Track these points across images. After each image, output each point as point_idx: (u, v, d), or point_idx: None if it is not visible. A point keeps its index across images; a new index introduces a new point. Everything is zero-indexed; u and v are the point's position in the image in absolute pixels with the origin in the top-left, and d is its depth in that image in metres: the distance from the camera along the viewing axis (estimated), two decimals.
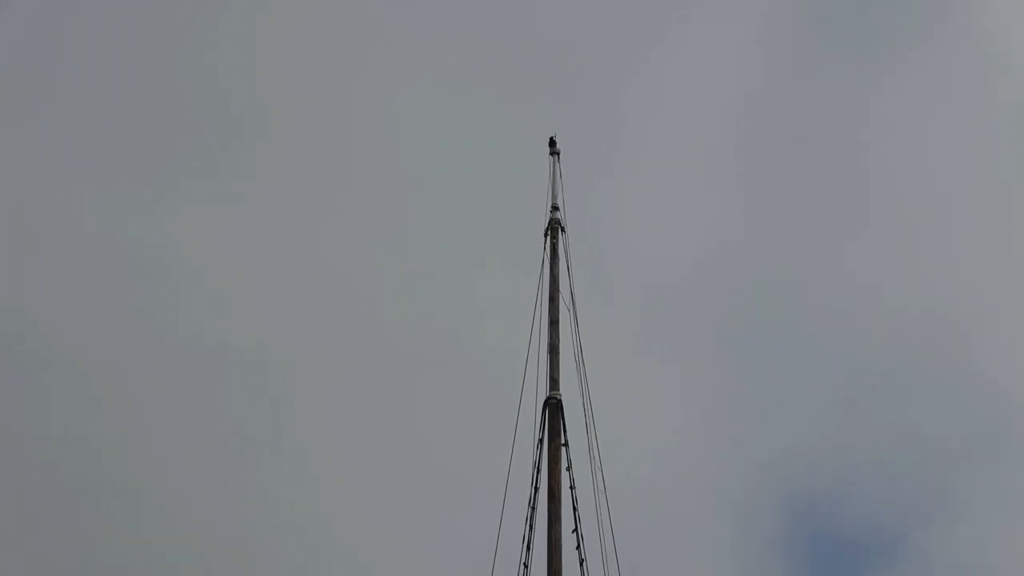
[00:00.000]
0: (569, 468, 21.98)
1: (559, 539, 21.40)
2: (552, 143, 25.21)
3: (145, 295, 43.66)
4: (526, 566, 21.33)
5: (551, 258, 23.94)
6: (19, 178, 44.84)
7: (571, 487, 21.83)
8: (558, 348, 22.85)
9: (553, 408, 22.23)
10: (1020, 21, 53.54)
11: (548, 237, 24.18)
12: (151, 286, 43.87)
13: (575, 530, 21.53)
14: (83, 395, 41.68)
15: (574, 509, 21.72)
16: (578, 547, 21.52)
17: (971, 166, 50.23)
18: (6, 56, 48.21)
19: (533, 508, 21.67)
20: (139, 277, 43.86)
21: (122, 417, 41.24)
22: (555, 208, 24.44)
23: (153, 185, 45.74)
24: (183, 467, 40.16)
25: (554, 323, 23.14)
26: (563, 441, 22.10)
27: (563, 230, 24.27)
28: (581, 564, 21.47)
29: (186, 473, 40.05)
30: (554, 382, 22.49)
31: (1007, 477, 45.03)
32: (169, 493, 39.66)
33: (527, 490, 21.89)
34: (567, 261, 24.02)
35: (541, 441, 22.09)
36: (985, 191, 49.93)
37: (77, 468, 39.84)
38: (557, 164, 24.90)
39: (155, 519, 39.26)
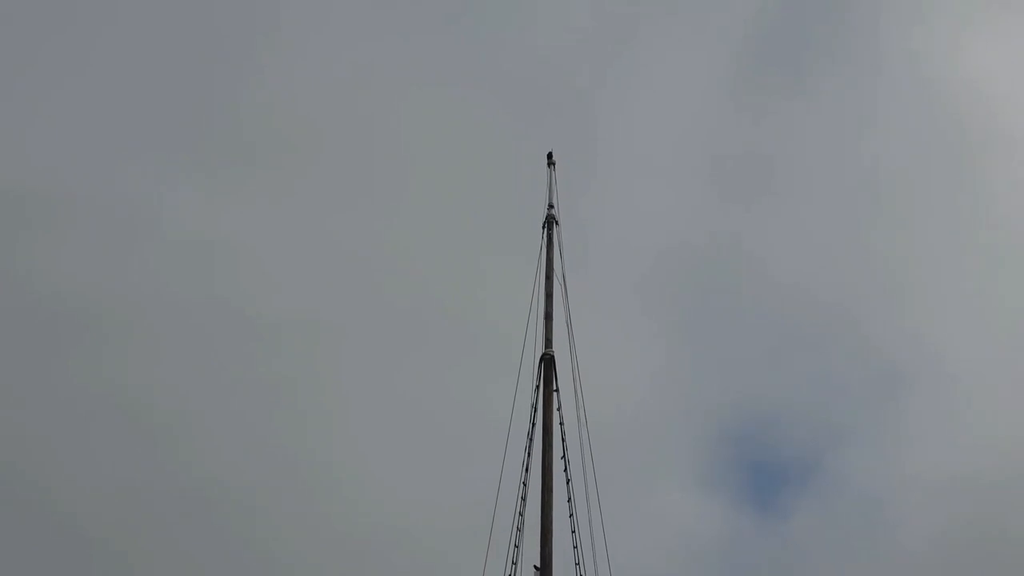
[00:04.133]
0: (559, 408, 24.63)
1: (551, 463, 24.11)
2: (549, 156, 27.53)
3: (201, 274, 46.88)
4: (525, 484, 23.86)
5: (547, 245, 26.40)
6: (101, 176, 47.92)
7: (560, 423, 24.50)
8: (552, 315, 25.49)
9: (548, 362, 24.94)
10: (894, 66, 57.83)
11: (545, 229, 26.61)
12: (207, 267, 46.98)
13: (563, 456, 24.25)
14: (140, 351, 44.87)
15: (563, 440, 24.41)
16: (565, 469, 24.23)
17: (875, 179, 55.30)
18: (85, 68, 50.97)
19: (531, 439, 24.30)
20: (198, 259, 47.01)
21: (169, 370, 44.32)
22: (551, 206, 26.89)
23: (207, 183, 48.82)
24: (219, 412, 43.51)
25: (549, 296, 25.70)
26: (555, 388, 24.79)
27: (557, 223, 26.70)
28: (568, 483, 24.15)
29: (221, 416, 43.44)
30: (548, 342, 25.15)
31: (890, 417, 50.94)
32: (205, 432, 42.98)
33: (526, 427, 24.44)
34: (560, 247, 26.46)
35: (538, 388, 24.72)
36: (880, 200, 54.69)
37: (140, 411, 42.89)
38: (553, 173, 27.34)
39: (195, 453, 42.31)
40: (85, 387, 42.58)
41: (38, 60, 50.83)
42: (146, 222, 47.06)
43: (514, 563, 23.36)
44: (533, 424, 24.49)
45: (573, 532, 23.92)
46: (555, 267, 26.17)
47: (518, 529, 23.57)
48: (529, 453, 24.23)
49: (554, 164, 27.41)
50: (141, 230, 47.02)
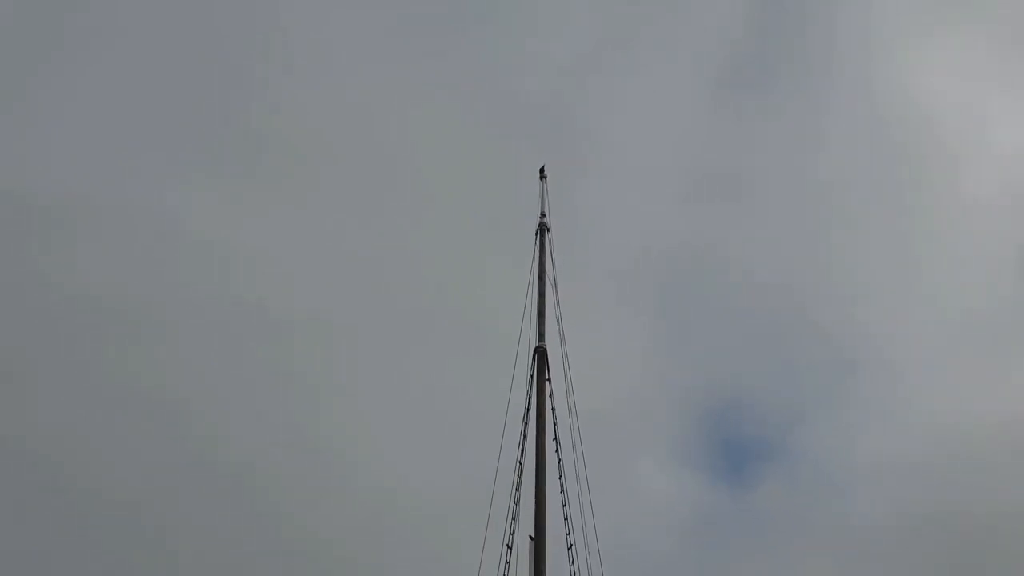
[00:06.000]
0: (551, 395, 26.19)
1: (544, 444, 25.62)
2: (542, 171, 29.16)
3: (222, 275, 48.86)
4: (520, 463, 25.34)
5: (540, 250, 27.93)
6: (131, 185, 49.87)
7: (552, 409, 26.09)
8: (544, 312, 27.05)
9: (541, 354, 26.51)
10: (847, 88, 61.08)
11: (538, 235, 28.17)
12: (227, 268, 49.00)
13: (555, 438, 25.75)
14: (167, 347, 46.83)
15: (554, 424, 25.94)
16: (556, 450, 25.70)
17: (830, 189, 59.01)
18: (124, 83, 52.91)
19: (526, 423, 25.79)
20: (219, 261, 49.10)
21: (194, 364, 46.38)
22: (543, 215, 28.49)
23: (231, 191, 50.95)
24: (241, 401, 45.60)
25: (541, 295, 27.28)
26: (547, 377, 26.33)
27: (548, 230, 28.26)
28: (559, 462, 25.55)
29: (243, 405, 45.53)
30: (541, 336, 26.72)
31: (842, 401, 54.70)
32: (228, 419, 44.98)
33: (521, 412, 25.87)
34: (551, 252, 28.02)
35: (532, 377, 26.24)
36: (834, 208, 58.24)
37: (168, 401, 44.82)
38: (545, 185, 28.96)
39: (219, 438, 44.26)
40: (116, 380, 44.62)
41: (67, 76, 53.05)
42: (170, 227, 49.15)
43: (511, 533, 24.62)
44: (528, 410, 25.97)
45: (564, 505, 25.25)
46: (547, 269, 27.67)
47: (515, 503, 24.86)
48: (524, 436, 25.68)
49: (546, 177, 29.06)
50: (166, 235, 49.18)
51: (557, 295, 27.45)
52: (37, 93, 52.04)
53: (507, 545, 24.53)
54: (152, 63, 53.56)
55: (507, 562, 24.45)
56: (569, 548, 24.95)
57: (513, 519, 24.72)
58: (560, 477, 25.41)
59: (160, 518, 41.08)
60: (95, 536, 40.54)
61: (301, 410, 45.12)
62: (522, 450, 25.46)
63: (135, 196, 49.10)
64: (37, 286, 45.75)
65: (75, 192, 48.25)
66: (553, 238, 28.13)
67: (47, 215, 47.39)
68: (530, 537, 24.63)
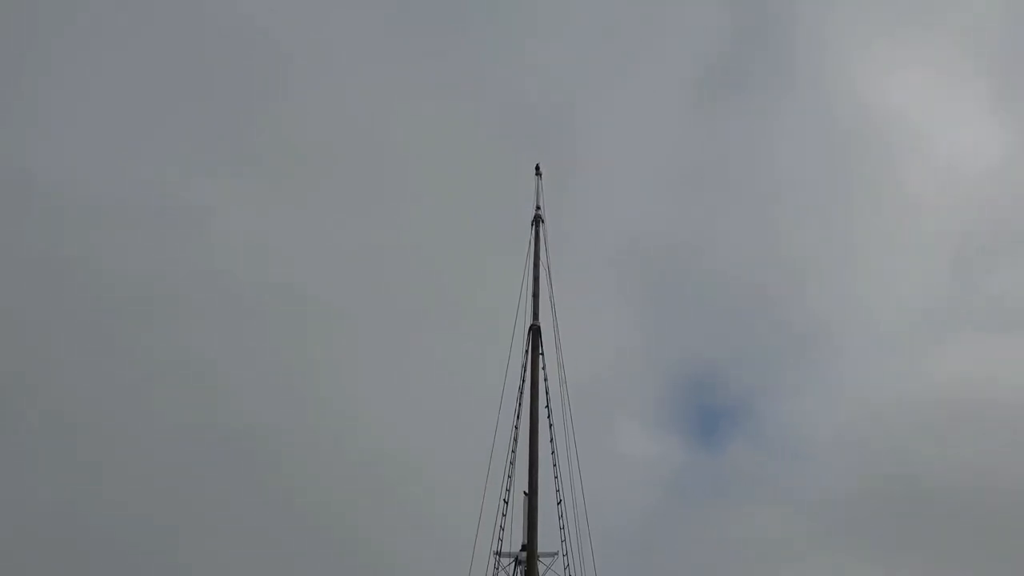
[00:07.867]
0: (544, 368, 28.11)
1: (537, 411, 27.52)
2: (537, 168, 30.76)
3: (244, 265, 50.89)
4: (516, 428, 27.19)
5: (535, 239, 29.68)
6: (167, 189, 51.93)
7: (545, 380, 28.01)
8: (538, 294, 28.82)
9: (535, 331, 28.35)
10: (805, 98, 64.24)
11: (533, 226, 29.86)
12: (249, 260, 51.11)
13: (547, 405, 27.68)
14: (195, 327, 48.92)
15: (547, 393, 27.82)
16: (548, 416, 27.65)
17: (788, 190, 62.42)
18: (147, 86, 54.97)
19: (521, 393, 27.62)
20: (243, 253, 51.13)
21: (218, 341, 48.67)
22: (538, 208, 30.18)
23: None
24: (260, 376, 47.96)
25: (536, 279, 29.00)
26: (540, 352, 28.17)
27: (543, 221, 29.97)
28: (551, 427, 27.60)
29: (263, 379, 47.85)
30: (535, 315, 28.47)
31: (797, 375, 58.73)
32: (247, 391, 47.31)
33: (517, 383, 27.76)
34: (545, 240, 29.79)
35: (527, 352, 28.06)
36: (793, 207, 61.75)
37: (196, 372, 47.21)
38: (540, 180, 30.60)
39: (237, 407, 46.50)
40: (150, 355, 47.05)
41: (70, 77, 54.74)
42: (198, 226, 51.53)
43: (508, 490, 26.63)
44: (523, 380, 27.83)
45: (555, 465, 27.28)
46: (541, 256, 29.43)
47: (511, 463, 26.77)
48: (520, 403, 27.53)
49: (541, 174, 30.72)
50: (194, 232, 51.53)
51: (550, 279, 29.20)
52: (41, 96, 54.00)
53: (503, 500, 26.42)
54: (152, 63, 55.30)
55: (503, 515, 26.36)
56: (559, 503, 26.78)
57: (509, 477, 26.57)
58: (551, 440, 27.31)
59: (186, 468, 43.33)
60: (125, 481, 42.93)
61: (316, 385, 47.51)
62: (517, 416, 27.21)
63: (170, 199, 51.36)
64: (75, 278, 48.01)
65: (124, 196, 50.70)
66: (547, 228, 29.88)
67: (102, 216, 49.65)
68: (524, 493, 26.45)
